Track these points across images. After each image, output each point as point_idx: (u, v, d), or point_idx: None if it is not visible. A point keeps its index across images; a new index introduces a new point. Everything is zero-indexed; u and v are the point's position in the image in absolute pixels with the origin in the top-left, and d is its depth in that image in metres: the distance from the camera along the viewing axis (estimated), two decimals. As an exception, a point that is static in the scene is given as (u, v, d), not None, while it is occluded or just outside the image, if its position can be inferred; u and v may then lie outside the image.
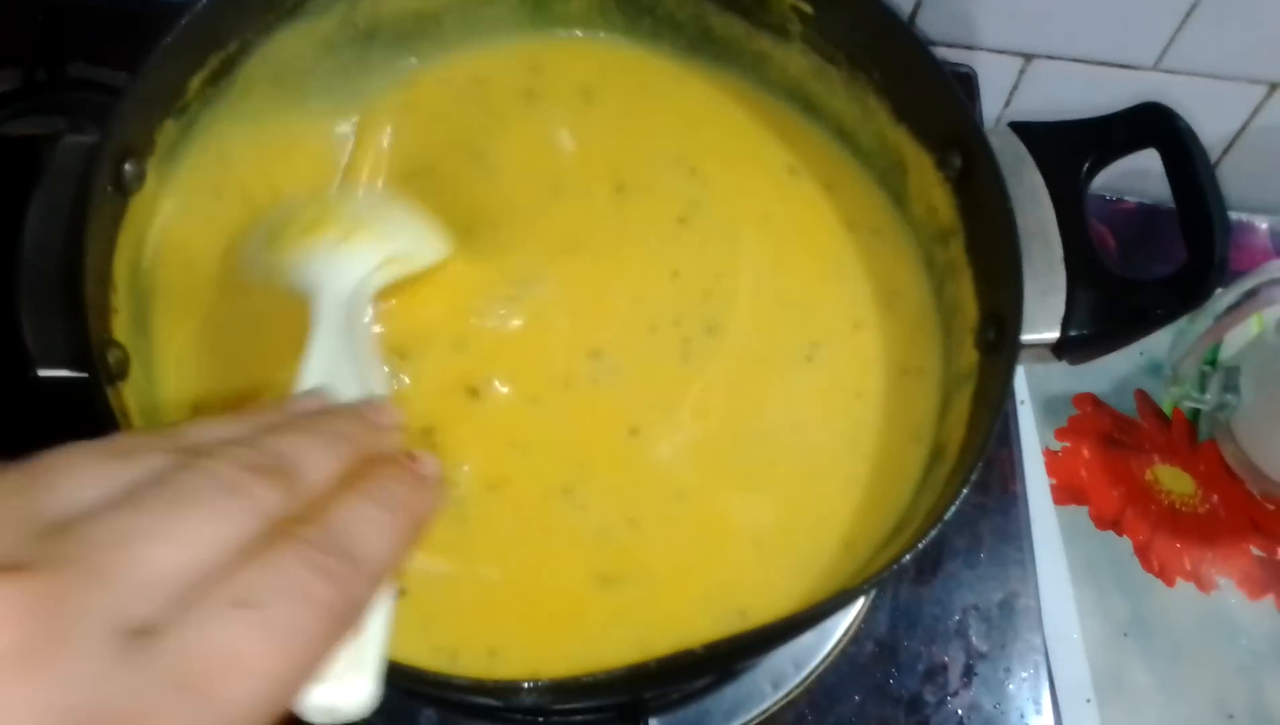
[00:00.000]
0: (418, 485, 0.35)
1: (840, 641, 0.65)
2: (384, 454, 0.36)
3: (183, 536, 0.27)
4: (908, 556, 0.45)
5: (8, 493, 0.27)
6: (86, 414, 0.44)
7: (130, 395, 0.49)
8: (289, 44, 0.59)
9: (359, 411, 0.38)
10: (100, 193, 0.49)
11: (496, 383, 0.54)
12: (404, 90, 0.63)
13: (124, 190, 0.51)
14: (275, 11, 0.57)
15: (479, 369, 0.54)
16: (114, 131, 0.49)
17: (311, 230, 0.49)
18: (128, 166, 0.51)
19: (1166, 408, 0.87)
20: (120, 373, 0.48)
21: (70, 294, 0.46)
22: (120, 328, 0.50)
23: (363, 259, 0.49)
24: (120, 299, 0.50)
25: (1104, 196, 0.95)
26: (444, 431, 0.53)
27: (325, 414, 0.37)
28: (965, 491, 0.47)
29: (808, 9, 0.61)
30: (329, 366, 0.42)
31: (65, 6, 0.78)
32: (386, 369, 0.53)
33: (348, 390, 0.41)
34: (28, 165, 0.50)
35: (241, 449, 0.31)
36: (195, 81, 0.55)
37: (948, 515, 0.46)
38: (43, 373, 0.46)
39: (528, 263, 0.58)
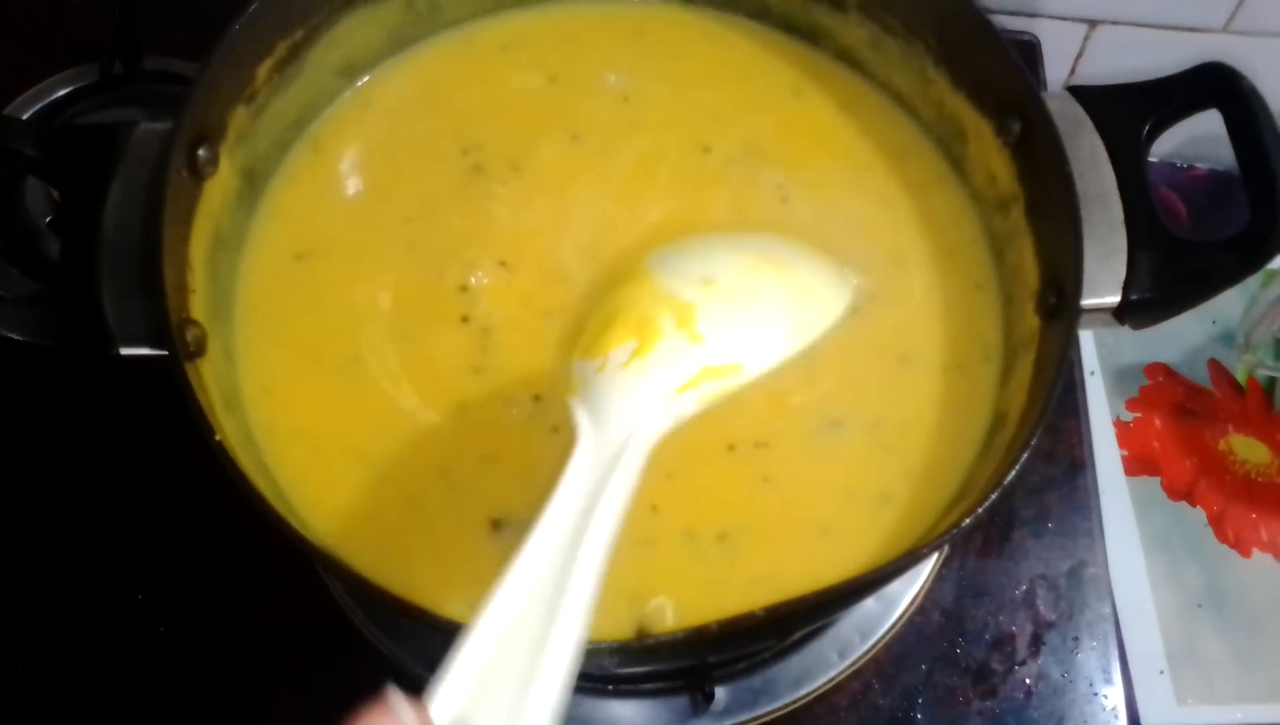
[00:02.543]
0: None
1: (906, 611, 0.66)
2: None
3: None
4: (968, 521, 0.45)
5: None
6: (166, 390, 0.46)
7: (208, 371, 0.50)
8: (354, 30, 0.60)
9: None
10: (176, 177, 0.50)
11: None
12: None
13: (199, 175, 0.53)
14: (339, -1, 0.59)
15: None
16: (187, 118, 0.51)
17: (596, 342, 0.43)
18: (201, 152, 0.53)
19: (1240, 377, 0.86)
20: (198, 350, 0.50)
21: (149, 275, 0.48)
22: (198, 307, 0.51)
23: (660, 385, 0.42)
24: (197, 279, 0.52)
25: (1174, 163, 0.94)
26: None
27: None
28: (1025, 456, 0.46)
29: (864, -22, 0.61)
30: (530, 583, 0.37)
31: (141, 1, 0.80)
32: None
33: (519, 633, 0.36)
34: (106, 152, 0.52)
35: None
36: (264, 69, 0.56)
37: (1008, 479, 0.46)
38: (124, 351, 0.48)
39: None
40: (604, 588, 0.39)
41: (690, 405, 0.44)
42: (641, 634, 0.46)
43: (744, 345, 0.47)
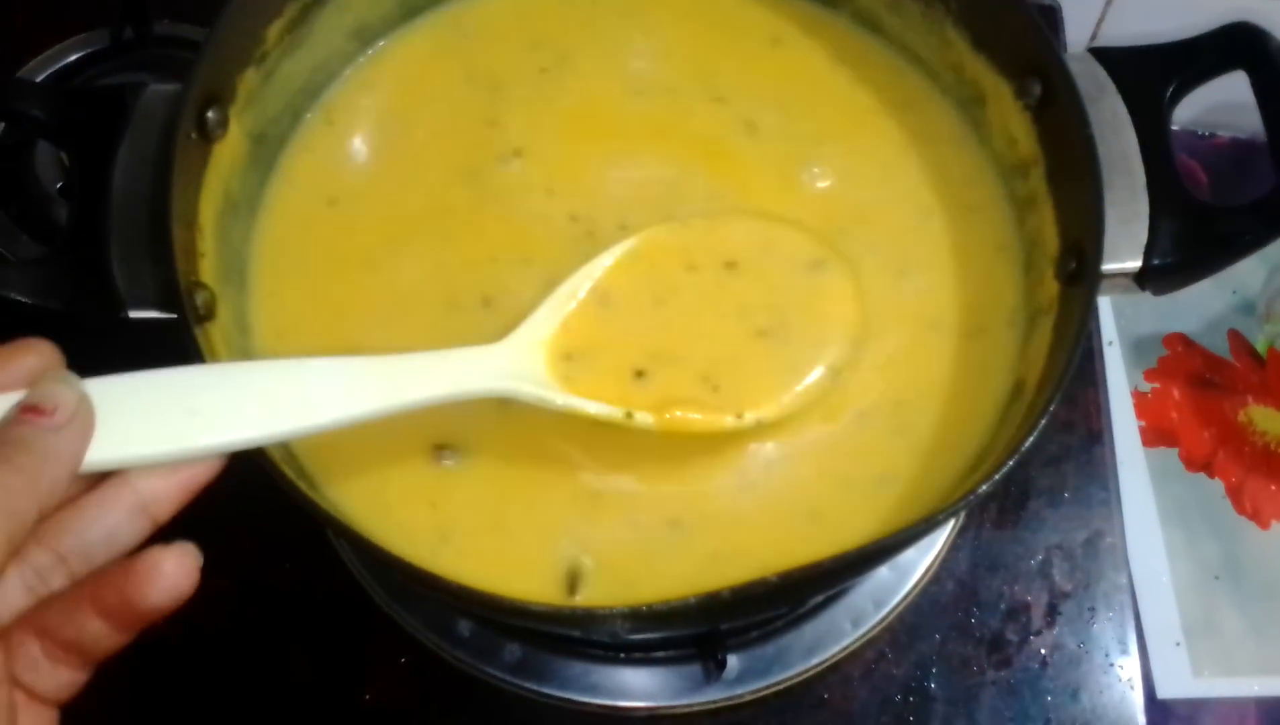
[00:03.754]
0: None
1: (920, 580, 0.65)
2: None
3: None
4: (985, 486, 0.45)
5: None
6: (175, 353, 0.45)
7: (218, 336, 0.50)
8: (365, -8, 0.60)
9: None
10: (185, 139, 0.50)
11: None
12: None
13: (208, 137, 0.52)
14: (350, -42, 0.58)
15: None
16: (196, 79, 0.50)
17: None
18: (211, 114, 0.52)
19: (1260, 347, 0.85)
20: (208, 314, 0.50)
21: (158, 237, 0.48)
22: (207, 270, 0.51)
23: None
24: (206, 243, 0.51)
25: (1195, 131, 0.92)
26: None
27: None
28: (1044, 422, 0.46)
29: (882, -61, 0.60)
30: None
31: (151, -34, 0.80)
32: None
33: None
34: (114, 114, 0.51)
35: None
36: (274, 30, 0.56)
37: (1025, 446, 0.45)
38: (133, 314, 0.48)
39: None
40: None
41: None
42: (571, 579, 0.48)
43: None
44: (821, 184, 0.59)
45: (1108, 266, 0.50)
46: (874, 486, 0.52)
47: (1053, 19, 0.82)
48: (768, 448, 0.52)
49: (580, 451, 0.52)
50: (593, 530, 0.50)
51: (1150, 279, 0.51)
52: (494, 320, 0.54)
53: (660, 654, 0.63)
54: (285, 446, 0.48)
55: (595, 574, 0.49)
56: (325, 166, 0.59)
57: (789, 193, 0.59)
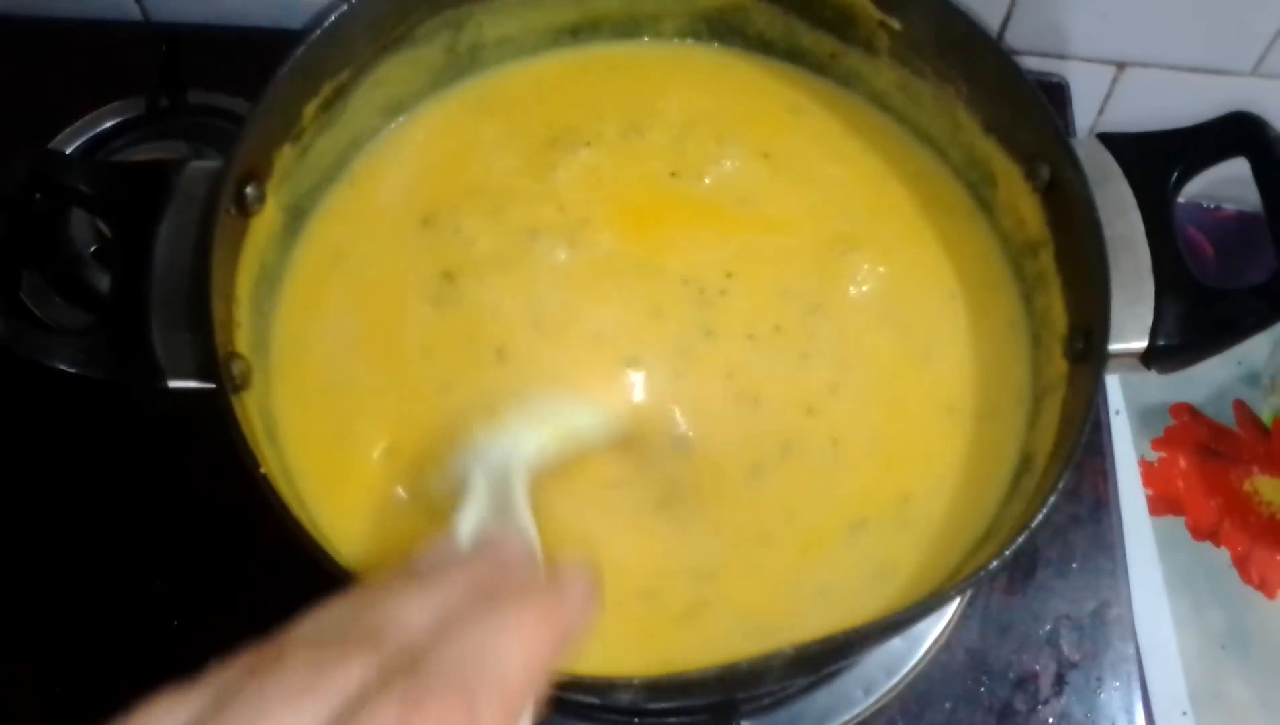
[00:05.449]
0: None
1: (931, 649, 0.66)
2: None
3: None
4: (995, 563, 0.46)
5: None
6: (212, 422, 0.47)
7: (252, 403, 0.52)
8: (397, 70, 0.62)
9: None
10: (224, 215, 0.52)
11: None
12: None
13: (246, 212, 0.54)
14: (383, 40, 0.60)
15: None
16: (236, 158, 0.52)
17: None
18: (249, 190, 0.54)
19: (1266, 418, 0.86)
20: (244, 383, 0.51)
21: (198, 310, 0.49)
22: (242, 341, 0.53)
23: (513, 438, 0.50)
24: (243, 313, 0.53)
25: (1201, 204, 0.94)
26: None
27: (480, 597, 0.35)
28: (1053, 499, 0.47)
29: (896, 25, 0.62)
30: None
31: (186, 36, 0.82)
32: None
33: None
34: (157, 190, 0.53)
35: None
36: (310, 108, 0.58)
37: (1035, 523, 0.47)
38: (173, 384, 0.50)
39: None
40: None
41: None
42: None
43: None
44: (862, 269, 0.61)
45: (1114, 347, 0.51)
46: (871, 583, 0.53)
47: (1060, 96, 0.84)
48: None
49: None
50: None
51: (1155, 359, 0.53)
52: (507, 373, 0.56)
53: (673, 720, 0.64)
54: None
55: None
56: (343, 228, 0.61)
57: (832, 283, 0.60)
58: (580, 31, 0.67)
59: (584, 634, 0.36)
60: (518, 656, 0.32)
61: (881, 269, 0.60)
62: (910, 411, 0.57)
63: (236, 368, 0.51)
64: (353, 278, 0.59)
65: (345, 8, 0.57)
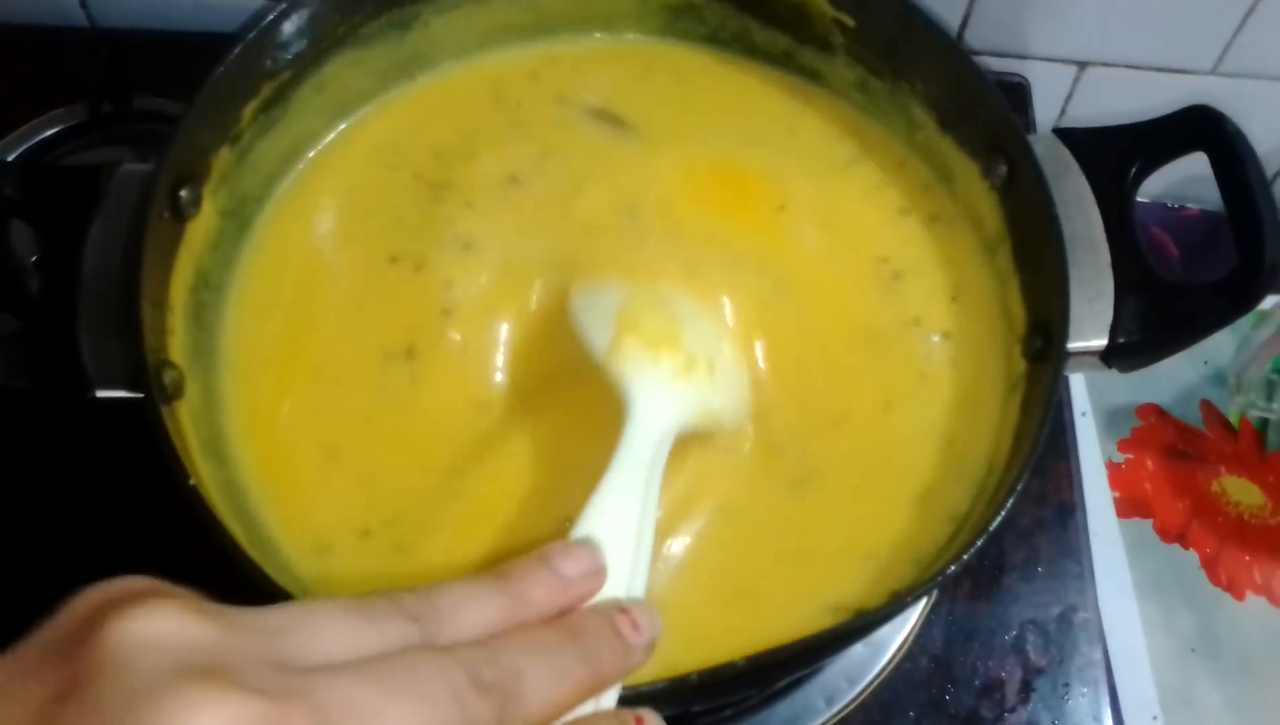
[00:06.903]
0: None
1: (895, 657, 0.65)
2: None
3: (395, 721, 0.29)
4: (953, 567, 0.45)
5: (264, 631, 0.30)
6: (141, 433, 0.45)
7: (185, 414, 0.50)
8: (341, 72, 0.60)
9: (614, 626, 0.37)
10: (156, 219, 0.50)
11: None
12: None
13: (180, 216, 0.53)
14: (325, 41, 0.59)
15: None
16: (169, 159, 0.51)
17: (658, 346, 0.49)
18: (184, 193, 0.53)
19: (1233, 417, 0.85)
20: (175, 392, 0.50)
21: (127, 316, 0.48)
22: (176, 349, 0.51)
23: (691, 402, 0.48)
24: (177, 321, 0.52)
25: (1165, 204, 0.94)
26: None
27: (577, 630, 0.36)
28: (1011, 502, 0.46)
29: (850, 22, 0.61)
30: (617, 511, 0.41)
31: (133, 42, 0.81)
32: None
33: (620, 553, 0.40)
34: (88, 193, 0.51)
35: (478, 657, 0.32)
36: (248, 110, 0.56)
37: (994, 526, 0.46)
38: (100, 393, 0.48)
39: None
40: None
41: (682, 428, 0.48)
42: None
43: (729, 403, 0.53)
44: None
45: (1073, 345, 0.51)
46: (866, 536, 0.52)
47: (1021, 96, 0.84)
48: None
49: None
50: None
51: (1116, 357, 0.52)
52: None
53: (631, 733, 0.62)
54: None
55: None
56: (295, 236, 0.59)
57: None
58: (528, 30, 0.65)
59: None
60: (551, 690, 0.34)
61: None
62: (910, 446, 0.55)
63: (168, 376, 0.49)
64: (305, 280, 0.58)
65: (283, 6, 0.55)
